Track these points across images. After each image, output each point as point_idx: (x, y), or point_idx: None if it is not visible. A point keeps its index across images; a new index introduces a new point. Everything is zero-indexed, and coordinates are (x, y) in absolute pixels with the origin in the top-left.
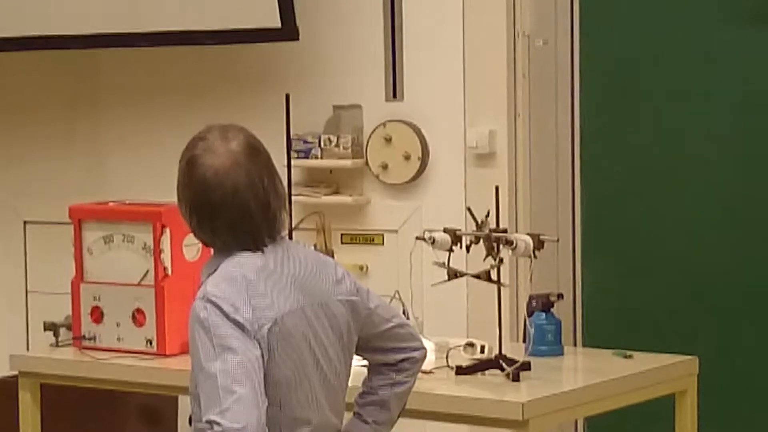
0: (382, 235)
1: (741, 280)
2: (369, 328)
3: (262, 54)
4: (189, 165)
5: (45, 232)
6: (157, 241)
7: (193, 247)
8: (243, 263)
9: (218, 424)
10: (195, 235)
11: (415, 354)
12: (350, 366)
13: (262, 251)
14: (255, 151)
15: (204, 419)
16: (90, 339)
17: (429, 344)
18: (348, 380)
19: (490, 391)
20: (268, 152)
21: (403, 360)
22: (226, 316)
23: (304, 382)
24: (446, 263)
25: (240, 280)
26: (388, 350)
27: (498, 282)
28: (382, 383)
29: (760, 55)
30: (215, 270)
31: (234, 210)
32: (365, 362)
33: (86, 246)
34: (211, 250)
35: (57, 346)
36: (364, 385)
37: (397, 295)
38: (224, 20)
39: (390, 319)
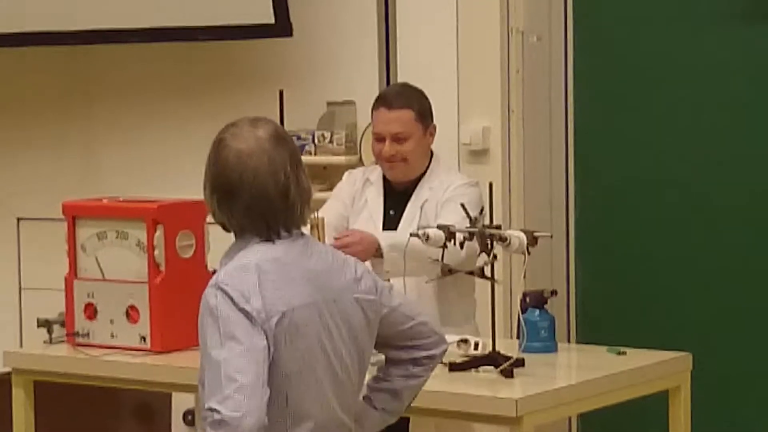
0: None
1: (734, 276)
2: (390, 327)
3: (255, 50)
4: (216, 147)
5: (38, 229)
6: (150, 238)
7: (187, 245)
8: (258, 254)
9: (218, 411)
10: (214, 216)
11: (436, 351)
12: (365, 365)
13: (275, 242)
14: (281, 141)
15: (206, 406)
16: (84, 336)
17: None
18: (362, 379)
19: (483, 387)
20: (296, 146)
21: (423, 357)
22: (235, 304)
23: (311, 377)
24: (440, 259)
25: (253, 270)
26: (410, 348)
27: (492, 278)
28: (399, 374)
29: (756, 54)
30: (231, 260)
31: (251, 192)
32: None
33: (80, 243)
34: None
35: (50, 342)
36: (378, 371)
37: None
38: (218, 16)
39: (413, 317)
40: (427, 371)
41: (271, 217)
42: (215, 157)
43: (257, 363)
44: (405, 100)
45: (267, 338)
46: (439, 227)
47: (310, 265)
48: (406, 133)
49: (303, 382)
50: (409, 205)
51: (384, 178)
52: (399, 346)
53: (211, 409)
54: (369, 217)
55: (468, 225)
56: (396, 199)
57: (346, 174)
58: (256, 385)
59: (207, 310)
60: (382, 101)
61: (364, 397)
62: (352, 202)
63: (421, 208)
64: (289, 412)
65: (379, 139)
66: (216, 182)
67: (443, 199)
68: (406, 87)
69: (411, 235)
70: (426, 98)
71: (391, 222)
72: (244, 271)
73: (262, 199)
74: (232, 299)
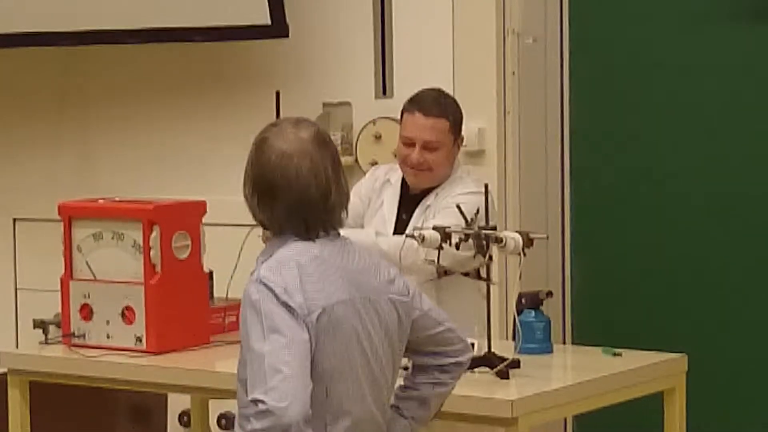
0: None
1: (729, 278)
2: (420, 331)
3: (252, 51)
4: (258, 146)
5: (35, 230)
6: (146, 239)
7: (183, 245)
8: (297, 250)
9: (263, 402)
10: (254, 215)
11: (462, 358)
12: (397, 366)
13: (314, 241)
14: (323, 143)
15: (249, 398)
16: (79, 336)
17: None
18: (394, 379)
19: (479, 388)
20: (337, 148)
21: (451, 363)
22: (277, 298)
23: (350, 374)
24: (436, 261)
25: (293, 266)
26: (438, 354)
27: (488, 279)
28: (426, 381)
29: (752, 54)
30: (270, 256)
31: (294, 194)
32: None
33: (76, 243)
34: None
35: (46, 343)
36: (406, 380)
37: None
38: (214, 17)
39: (442, 322)
40: (454, 379)
41: (311, 217)
42: (257, 157)
43: (301, 355)
44: (443, 108)
45: (309, 332)
46: (434, 228)
47: (347, 264)
48: (438, 143)
49: (342, 378)
50: (416, 210)
51: (403, 180)
52: (426, 352)
53: (256, 401)
54: (382, 220)
55: (463, 226)
56: (410, 203)
57: (370, 170)
58: (300, 377)
59: (249, 304)
60: (418, 106)
61: (392, 406)
62: (369, 201)
63: (425, 214)
64: (329, 409)
65: (408, 143)
66: (257, 181)
67: (442, 205)
68: (443, 94)
69: (406, 236)
70: (460, 109)
71: (402, 226)
72: (285, 267)
73: (303, 200)
74: (274, 293)
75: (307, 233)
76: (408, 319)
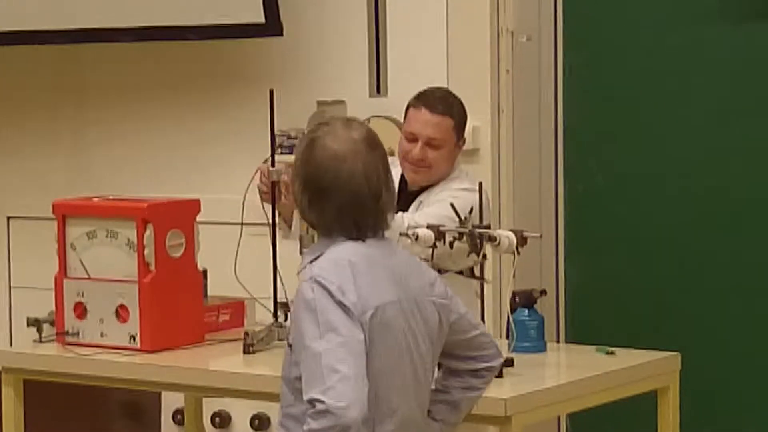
0: None
1: (723, 276)
2: (457, 334)
3: (246, 49)
4: (309, 146)
5: (29, 228)
6: (140, 237)
7: (176, 244)
8: (350, 250)
9: (321, 402)
10: (303, 214)
11: (495, 363)
12: (434, 368)
13: (364, 241)
14: (374, 144)
15: (306, 397)
16: (73, 335)
17: None
18: (433, 380)
19: None
20: (386, 150)
21: (483, 368)
22: (333, 297)
23: (398, 374)
24: (430, 259)
25: (346, 265)
26: (472, 358)
27: (481, 278)
28: (458, 385)
29: (746, 52)
30: (319, 255)
31: (345, 194)
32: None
33: (70, 241)
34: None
35: (40, 341)
36: (436, 383)
37: None
38: (208, 15)
39: (477, 326)
40: (486, 383)
41: (361, 219)
42: (309, 156)
43: (357, 355)
44: (449, 107)
45: (363, 331)
46: (428, 227)
47: (393, 265)
48: (441, 141)
49: (391, 379)
50: (411, 207)
51: (401, 177)
52: (460, 356)
53: (314, 400)
54: None
55: (457, 224)
56: (407, 200)
57: None
58: (357, 377)
59: (303, 303)
60: (424, 102)
61: None
62: None
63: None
64: (377, 409)
65: (411, 139)
66: (308, 181)
67: (434, 199)
68: (450, 94)
69: (400, 234)
70: (465, 110)
71: None
72: (338, 266)
73: (355, 201)
74: (329, 292)
75: (358, 234)
76: (447, 321)
